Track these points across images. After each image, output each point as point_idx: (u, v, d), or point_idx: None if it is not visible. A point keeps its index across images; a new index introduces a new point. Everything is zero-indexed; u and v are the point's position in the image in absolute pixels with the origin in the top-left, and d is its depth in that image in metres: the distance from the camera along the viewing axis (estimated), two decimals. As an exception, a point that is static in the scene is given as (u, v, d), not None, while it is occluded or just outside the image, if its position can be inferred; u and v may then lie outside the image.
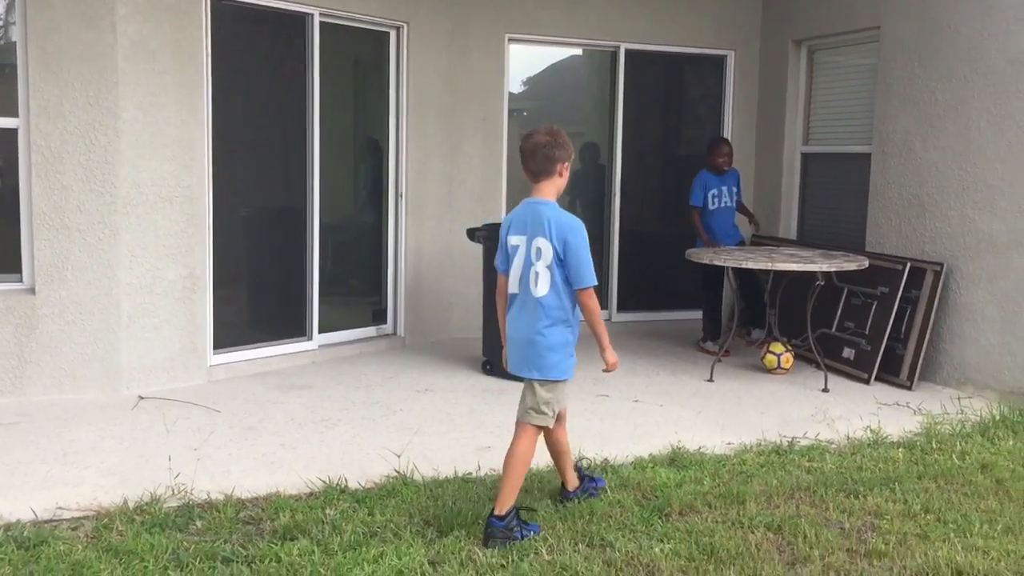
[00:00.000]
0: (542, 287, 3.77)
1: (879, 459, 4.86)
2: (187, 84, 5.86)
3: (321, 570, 3.43)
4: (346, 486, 4.30)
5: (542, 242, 3.75)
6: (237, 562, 3.51)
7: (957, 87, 6.52)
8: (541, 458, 4.12)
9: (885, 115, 7.18)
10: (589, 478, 4.25)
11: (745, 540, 3.77)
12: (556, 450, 4.09)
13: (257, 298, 6.74)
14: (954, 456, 4.91)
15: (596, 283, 3.80)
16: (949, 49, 6.58)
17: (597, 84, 8.55)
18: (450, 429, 5.32)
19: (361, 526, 3.83)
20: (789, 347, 6.89)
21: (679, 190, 8.63)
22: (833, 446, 5.17)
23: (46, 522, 3.86)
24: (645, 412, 5.77)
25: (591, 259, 3.78)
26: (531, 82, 8.39)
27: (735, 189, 7.72)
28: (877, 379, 6.69)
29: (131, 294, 5.73)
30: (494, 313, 6.55)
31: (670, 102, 8.89)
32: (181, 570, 3.43)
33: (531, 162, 3.81)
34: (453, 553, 3.61)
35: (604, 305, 8.48)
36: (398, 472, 4.48)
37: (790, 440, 5.18)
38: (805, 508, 4.16)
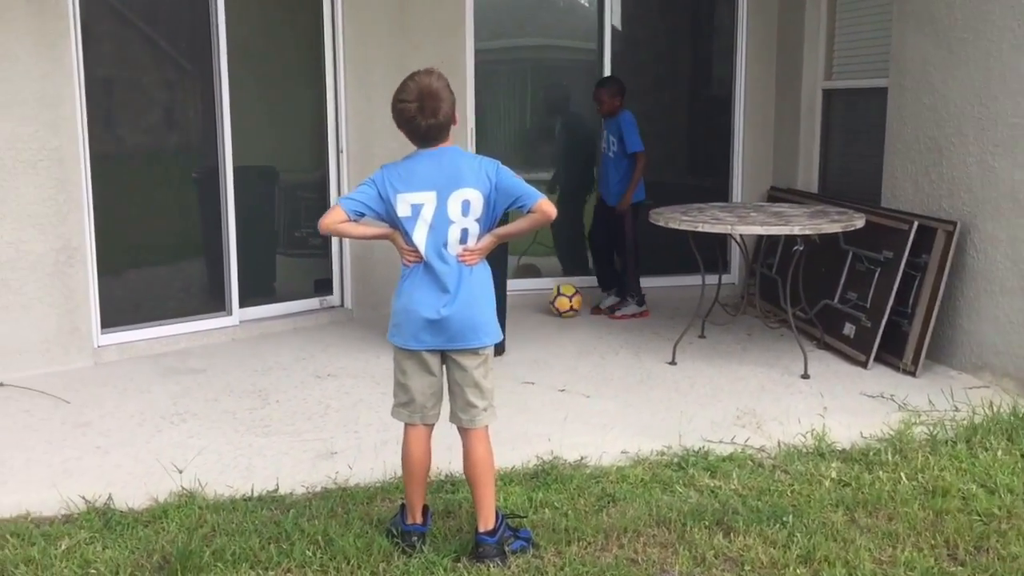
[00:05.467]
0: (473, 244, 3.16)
1: (802, 477, 3.83)
2: (47, 31, 5.21)
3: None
4: (108, 508, 3.60)
5: (469, 192, 3.09)
6: None
7: (978, 1, 5.21)
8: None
9: (903, 41, 5.91)
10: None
11: (534, 603, 2.88)
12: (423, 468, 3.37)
13: (159, 270, 6.10)
14: (903, 474, 3.82)
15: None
16: (968, -47, 5.26)
17: (587, 17, 7.46)
18: (313, 427, 4.56)
19: (74, 569, 3.13)
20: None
21: (688, 138, 7.61)
22: (764, 455, 4.15)
23: None
24: (561, 406, 4.86)
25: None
26: (505, 20, 7.40)
27: (612, 139, 6.63)
28: (879, 361, 5.54)
29: (-11, 270, 5.18)
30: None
31: (674, 33, 7.71)
32: None
33: (422, 136, 3.07)
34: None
35: (595, 270, 7.51)
36: (184, 489, 3.75)
37: (705, 448, 4.18)
38: (650, 551, 3.21)
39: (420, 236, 3.11)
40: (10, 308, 5.27)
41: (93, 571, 3.11)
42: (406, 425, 3.29)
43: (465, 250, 3.13)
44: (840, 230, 5.31)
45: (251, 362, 5.67)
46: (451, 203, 3.09)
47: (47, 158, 5.30)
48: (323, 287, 6.82)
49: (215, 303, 6.25)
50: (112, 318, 5.74)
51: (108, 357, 5.66)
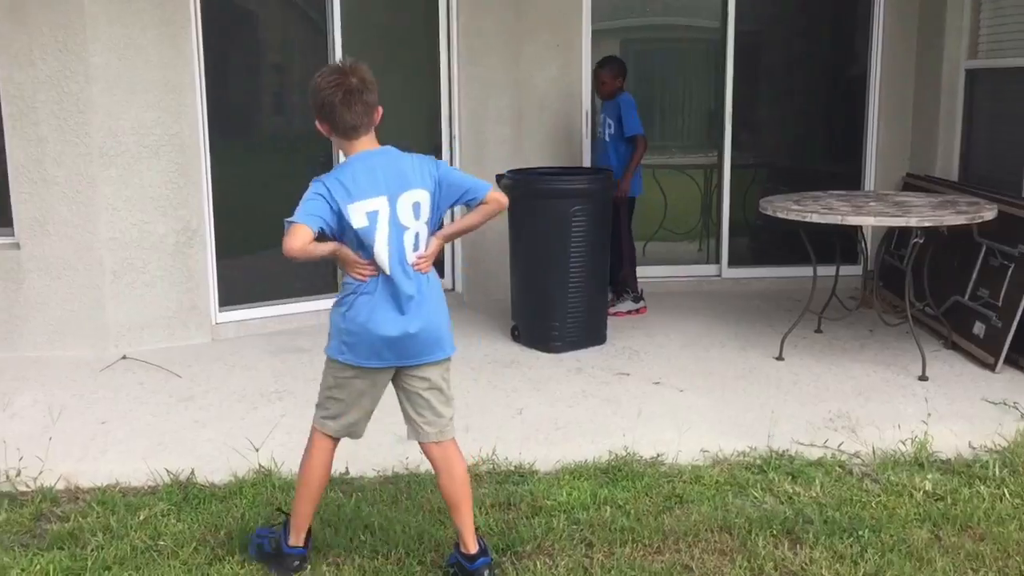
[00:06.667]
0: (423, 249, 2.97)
1: (892, 488, 3.59)
2: (169, 21, 5.46)
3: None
4: (190, 482, 3.76)
5: (418, 194, 2.88)
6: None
7: None
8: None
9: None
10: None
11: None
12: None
13: (275, 251, 6.27)
14: (1007, 490, 3.52)
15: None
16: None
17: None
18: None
19: (144, 540, 3.28)
20: None
21: (817, 121, 7.26)
22: (857, 461, 3.92)
23: None
24: (652, 399, 4.74)
25: None
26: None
27: (610, 122, 6.25)
28: (1011, 364, 5.14)
29: (115, 249, 5.49)
30: (520, 270, 5.75)
31: (804, 9, 7.35)
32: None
33: (348, 115, 2.86)
34: None
35: (715, 259, 7.30)
36: (262, 467, 3.87)
37: (792, 451, 3.98)
38: (707, 558, 3.08)
39: (382, 247, 2.85)
40: (135, 286, 5.58)
41: (161, 543, 3.25)
42: (319, 433, 3.08)
43: (419, 257, 2.91)
44: (964, 222, 4.93)
45: (356, 343, 5.79)
46: (401, 207, 2.85)
47: (169, 143, 5.56)
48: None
49: (328, 284, 6.41)
50: (229, 297, 5.99)
51: (225, 334, 5.91)
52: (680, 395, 4.79)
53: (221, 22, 5.76)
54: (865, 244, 6.15)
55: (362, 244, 2.85)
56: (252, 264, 6.18)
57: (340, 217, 2.83)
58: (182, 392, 4.90)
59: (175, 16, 5.47)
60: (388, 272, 2.87)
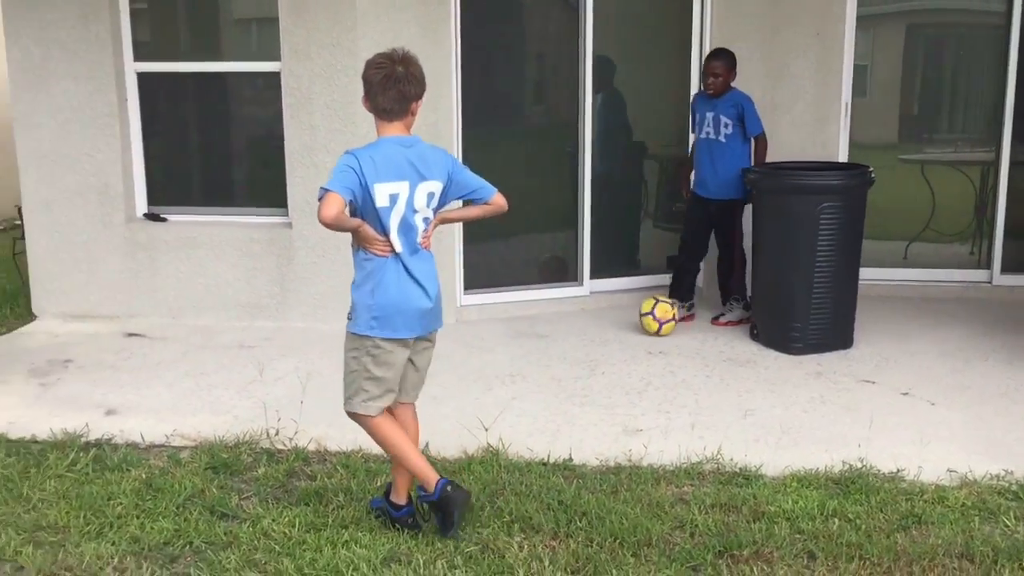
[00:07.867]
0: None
1: None
2: (430, 18, 5.75)
3: (261, 556, 3.19)
4: (426, 454, 3.95)
5: (434, 185, 3.18)
6: (232, 519, 3.43)
7: None
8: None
9: None
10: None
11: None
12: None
13: (517, 240, 6.48)
14: None
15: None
16: None
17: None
18: (628, 402, 4.63)
19: (378, 502, 3.51)
20: (677, 307, 5.73)
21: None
22: None
23: (154, 446, 4.15)
24: (897, 410, 4.46)
25: None
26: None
27: (726, 121, 5.63)
28: None
29: (372, 231, 5.87)
30: (762, 268, 5.54)
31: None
32: (173, 517, 3.44)
33: (381, 98, 3.10)
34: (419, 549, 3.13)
35: (985, 264, 6.75)
36: (490, 446, 4.01)
37: (1056, 480, 3.61)
38: (938, 587, 2.86)
39: (395, 226, 3.09)
40: (388, 266, 5.93)
41: (390, 507, 3.46)
42: (367, 418, 3.26)
43: (425, 235, 3.18)
44: None
45: (592, 332, 5.86)
46: (419, 193, 3.11)
47: (424, 132, 5.66)
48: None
49: (568, 273, 6.53)
50: (473, 281, 6.24)
51: (468, 316, 6.16)
52: (930, 408, 4.47)
53: (477, 15, 5.99)
54: None
55: (380, 222, 3.08)
56: (496, 250, 6.40)
57: (366, 193, 3.04)
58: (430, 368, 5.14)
59: (436, 12, 5.75)
60: (400, 250, 3.11)
